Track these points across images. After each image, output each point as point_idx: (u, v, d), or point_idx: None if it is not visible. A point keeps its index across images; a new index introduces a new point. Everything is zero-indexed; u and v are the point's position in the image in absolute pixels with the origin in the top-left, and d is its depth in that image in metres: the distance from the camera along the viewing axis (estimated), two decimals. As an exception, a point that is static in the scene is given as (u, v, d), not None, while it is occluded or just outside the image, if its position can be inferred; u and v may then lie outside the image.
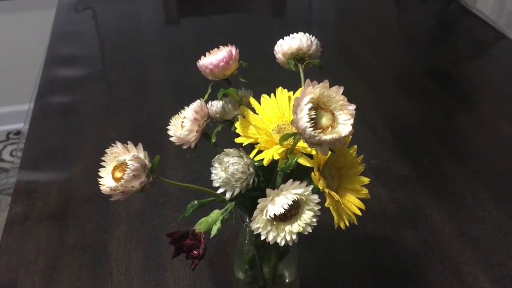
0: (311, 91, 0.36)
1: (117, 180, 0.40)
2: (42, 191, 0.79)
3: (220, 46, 0.47)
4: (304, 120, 0.35)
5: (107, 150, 0.42)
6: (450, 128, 0.94)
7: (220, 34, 1.26)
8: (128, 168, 0.40)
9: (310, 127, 0.35)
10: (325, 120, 0.36)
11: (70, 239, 0.71)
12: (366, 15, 1.38)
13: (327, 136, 0.35)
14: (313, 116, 0.35)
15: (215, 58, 0.45)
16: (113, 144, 0.42)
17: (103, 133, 0.92)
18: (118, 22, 1.34)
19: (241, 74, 0.48)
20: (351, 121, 0.36)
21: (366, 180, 0.46)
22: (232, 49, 0.46)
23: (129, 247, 0.69)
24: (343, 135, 0.36)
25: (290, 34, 0.47)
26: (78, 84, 1.07)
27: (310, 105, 0.35)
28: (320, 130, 0.35)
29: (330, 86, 0.36)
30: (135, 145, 0.42)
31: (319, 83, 0.36)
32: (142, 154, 0.42)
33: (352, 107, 0.36)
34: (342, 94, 0.36)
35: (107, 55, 1.20)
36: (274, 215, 0.39)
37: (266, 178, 0.46)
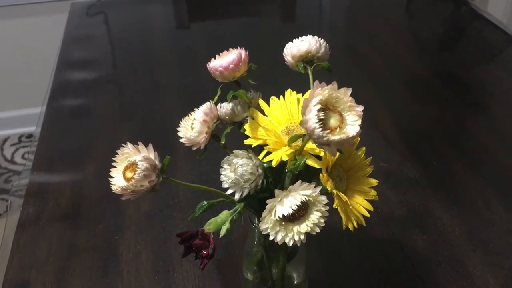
0: (319, 93, 0.36)
1: (128, 180, 0.41)
2: (54, 192, 0.80)
3: (230, 49, 0.47)
4: (312, 121, 0.36)
5: (118, 151, 0.43)
6: (460, 131, 0.94)
7: (230, 38, 1.27)
8: (138, 168, 0.40)
9: (319, 127, 0.35)
10: (333, 121, 0.36)
11: (81, 240, 0.71)
12: (377, 18, 1.38)
13: (335, 137, 0.36)
14: (322, 117, 0.36)
15: (225, 61, 0.46)
16: (124, 145, 0.43)
17: (114, 135, 0.93)
18: (130, 26, 1.35)
19: (251, 76, 0.48)
20: (359, 122, 0.36)
21: (374, 182, 0.46)
22: (242, 52, 0.47)
23: (139, 248, 0.70)
24: (350, 136, 0.36)
25: (300, 37, 0.47)
26: (90, 87, 1.08)
27: (319, 106, 0.36)
28: (328, 131, 0.36)
29: (339, 88, 0.37)
30: (146, 146, 0.43)
31: (327, 85, 0.37)
32: (152, 155, 0.42)
33: (360, 108, 0.37)
34: (351, 96, 0.37)
35: (118, 59, 1.22)
36: (283, 215, 0.40)
37: (275, 179, 0.46)
